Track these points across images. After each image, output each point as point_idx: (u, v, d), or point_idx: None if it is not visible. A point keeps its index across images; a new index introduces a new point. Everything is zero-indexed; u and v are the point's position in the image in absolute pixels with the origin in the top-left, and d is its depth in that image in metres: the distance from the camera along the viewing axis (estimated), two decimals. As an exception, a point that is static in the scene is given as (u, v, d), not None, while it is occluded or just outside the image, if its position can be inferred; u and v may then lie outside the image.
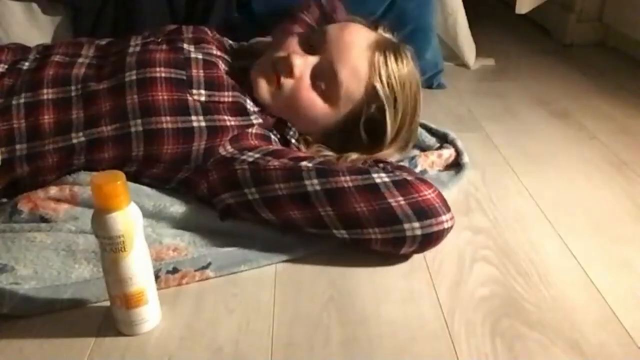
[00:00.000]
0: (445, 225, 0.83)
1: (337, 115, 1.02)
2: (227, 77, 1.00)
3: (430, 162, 1.12)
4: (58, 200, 0.90)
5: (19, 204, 0.89)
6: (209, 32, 1.13)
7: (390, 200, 0.82)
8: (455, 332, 0.74)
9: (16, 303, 0.76)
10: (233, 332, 0.74)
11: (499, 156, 1.20)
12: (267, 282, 0.84)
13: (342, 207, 0.83)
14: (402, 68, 1.02)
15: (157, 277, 0.82)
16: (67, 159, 0.92)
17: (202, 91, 0.96)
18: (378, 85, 0.99)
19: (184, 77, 0.96)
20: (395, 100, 1.01)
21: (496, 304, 0.79)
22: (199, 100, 0.95)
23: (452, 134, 1.19)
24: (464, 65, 1.73)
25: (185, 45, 1.04)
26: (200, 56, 1.01)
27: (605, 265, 0.87)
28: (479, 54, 1.75)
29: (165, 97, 0.93)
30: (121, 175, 0.67)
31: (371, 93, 1.00)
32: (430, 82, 1.58)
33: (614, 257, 0.89)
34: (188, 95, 0.94)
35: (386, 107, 1.01)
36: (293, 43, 1.02)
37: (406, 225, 0.82)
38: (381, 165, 0.92)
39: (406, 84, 1.02)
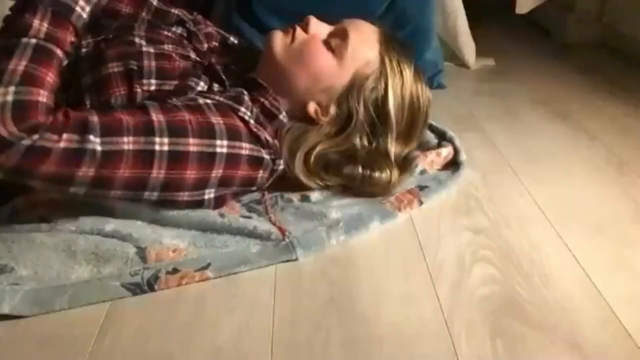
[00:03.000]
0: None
1: (340, 75, 1.02)
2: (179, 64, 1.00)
3: (430, 162, 1.12)
4: (57, 200, 0.90)
5: (19, 204, 0.89)
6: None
7: (214, 172, 0.89)
8: (455, 332, 0.74)
9: (16, 303, 0.76)
10: (233, 332, 0.74)
11: (499, 156, 1.20)
12: (267, 282, 0.83)
13: (176, 171, 0.86)
14: (406, 62, 1.05)
15: (157, 277, 0.82)
16: None
17: (153, 81, 0.96)
18: (386, 60, 1.03)
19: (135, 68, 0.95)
20: (401, 80, 1.03)
21: (496, 304, 0.79)
22: (148, 91, 0.94)
23: (451, 132, 1.19)
24: (464, 65, 1.73)
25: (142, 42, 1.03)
26: (152, 50, 1.00)
27: (605, 265, 0.87)
28: (479, 54, 1.75)
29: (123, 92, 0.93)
30: None
31: (378, 66, 1.02)
32: (430, 82, 1.58)
33: (614, 257, 0.89)
34: (138, 86, 0.94)
35: (390, 83, 1.02)
36: (312, 18, 1.06)
37: (206, 192, 0.91)
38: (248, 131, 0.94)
39: (409, 75, 1.05)
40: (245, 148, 0.93)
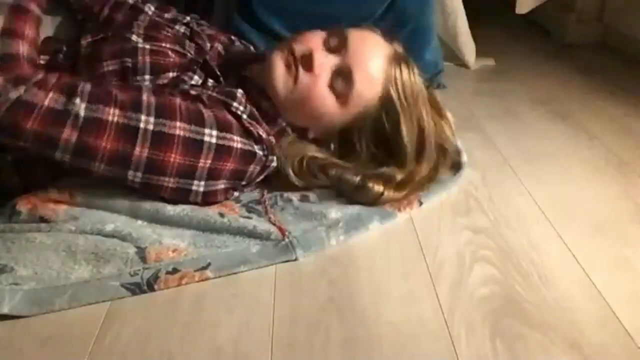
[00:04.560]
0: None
1: (343, 116, 1.01)
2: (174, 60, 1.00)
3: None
4: (57, 200, 0.90)
5: (18, 204, 0.89)
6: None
7: (201, 161, 0.88)
8: (455, 332, 0.74)
9: (16, 303, 0.76)
10: (233, 332, 0.74)
11: (499, 156, 1.20)
12: (267, 282, 0.83)
13: (159, 153, 0.86)
14: (415, 82, 1.03)
15: (156, 277, 0.82)
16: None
17: (147, 76, 0.96)
18: (393, 93, 1.00)
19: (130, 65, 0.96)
20: (409, 109, 1.01)
21: (496, 304, 0.79)
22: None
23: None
24: (464, 65, 1.73)
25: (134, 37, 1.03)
26: (148, 46, 1.00)
27: (605, 265, 0.87)
28: (479, 54, 1.75)
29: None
30: None
31: (385, 100, 1.00)
32: (430, 82, 1.58)
33: (614, 257, 0.89)
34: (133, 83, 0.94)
35: (401, 115, 1.00)
36: (315, 39, 1.01)
37: (194, 183, 0.90)
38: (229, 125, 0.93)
39: (420, 97, 1.03)
40: (237, 141, 0.93)
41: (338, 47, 1.00)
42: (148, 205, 0.91)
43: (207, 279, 0.84)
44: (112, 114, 0.84)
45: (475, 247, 0.91)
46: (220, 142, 0.91)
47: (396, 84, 1.01)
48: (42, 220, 0.88)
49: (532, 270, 0.85)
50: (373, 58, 1.00)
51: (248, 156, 0.94)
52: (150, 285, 0.81)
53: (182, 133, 0.88)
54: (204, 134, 0.90)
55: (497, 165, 1.16)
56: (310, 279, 0.84)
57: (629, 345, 0.72)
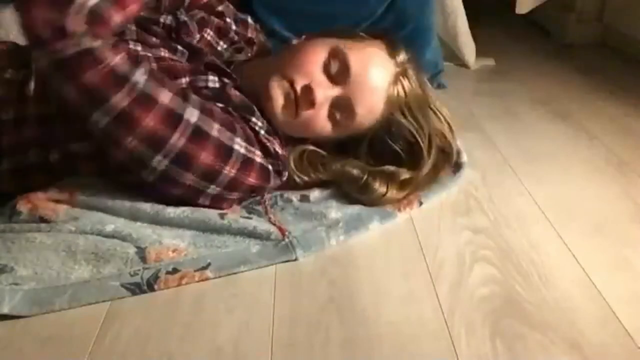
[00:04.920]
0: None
1: (343, 134, 1.02)
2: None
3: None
4: (57, 201, 0.90)
5: (18, 204, 0.89)
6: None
7: (227, 168, 0.88)
8: (455, 332, 0.74)
9: (16, 303, 0.76)
10: (233, 332, 0.74)
11: (499, 156, 1.20)
12: (267, 282, 0.83)
13: (194, 147, 0.86)
14: (417, 91, 1.03)
15: (156, 277, 0.82)
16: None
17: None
18: (397, 114, 1.01)
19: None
20: (414, 120, 1.01)
21: (496, 304, 0.79)
22: None
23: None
24: (464, 65, 1.73)
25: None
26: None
27: (605, 265, 0.87)
28: (479, 54, 1.75)
29: None
30: None
31: (388, 120, 1.01)
32: (430, 82, 1.58)
33: (614, 257, 0.89)
34: None
35: (405, 127, 1.01)
36: (315, 69, 0.97)
37: (211, 187, 0.90)
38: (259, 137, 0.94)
39: (423, 105, 1.03)
40: (258, 156, 0.93)
41: (338, 74, 0.98)
42: (148, 207, 0.91)
43: (207, 279, 0.84)
44: (165, 96, 0.85)
45: (475, 247, 0.91)
46: (247, 153, 0.91)
47: (399, 105, 1.01)
48: (42, 220, 0.88)
49: (532, 270, 0.85)
50: (376, 89, 0.99)
51: (266, 173, 0.94)
52: (150, 285, 0.81)
53: (218, 135, 0.88)
54: (234, 142, 0.90)
55: (497, 165, 1.16)
56: (310, 279, 0.84)
57: (629, 345, 0.72)
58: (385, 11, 1.49)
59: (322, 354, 0.71)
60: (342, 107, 0.98)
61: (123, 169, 0.90)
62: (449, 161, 1.08)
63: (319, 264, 0.87)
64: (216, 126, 0.88)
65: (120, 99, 0.82)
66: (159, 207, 0.91)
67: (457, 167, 1.11)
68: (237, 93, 0.98)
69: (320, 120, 0.99)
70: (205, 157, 0.87)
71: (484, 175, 1.12)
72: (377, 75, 0.99)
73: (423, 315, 0.77)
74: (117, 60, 0.82)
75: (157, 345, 0.72)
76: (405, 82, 1.01)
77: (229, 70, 1.03)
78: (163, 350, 0.71)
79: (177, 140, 0.85)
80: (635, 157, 1.18)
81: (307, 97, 0.96)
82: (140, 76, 0.83)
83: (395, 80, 1.00)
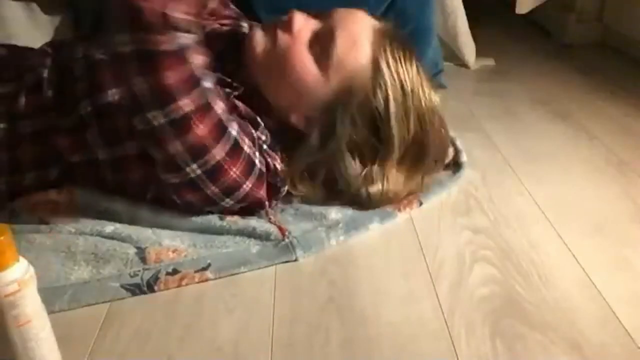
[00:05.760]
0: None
1: (326, 86, 0.93)
2: None
3: (430, 163, 1.12)
4: (57, 202, 0.90)
5: (18, 206, 0.89)
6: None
7: (247, 183, 0.88)
8: (455, 332, 0.74)
9: (16, 304, 0.76)
10: (233, 332, 0.74)
11: (499, 156, 1.20)
12: (267, 282, 0.83)
13: (229, 160, 0.85)
14: (411, 67, 0.95)
15: (156, 278, 0.82)
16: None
17: None
18: (383, 64, 0.92)
19: None
20: (402, 90, 0.93)
21: (496, 304, 0.79)
22: None
23: (451, 133, 1.19)
24: (464, 65, 1.73)
25: None
26: None
27: (605, 265, 0.87)
28: (479, 54, 1.75)
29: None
30: (4, 228, 0.60)
31: (374, 71, 0.93)
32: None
33: (614, 257, 0.88)
34: None
35: (390, 95, 0.92)
36: (297, 12, 0.96)
37: (226, 201, 0.89)
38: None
39: (416, 85, 0.95)
40: (266, 172, 0.92)
41: (320, 15, 0.96)
42: (148, 208, 0.91)
43: (207, 279, 0.84)
44: (219, 106, 0.85)
45: (475, 247, 0.91)
46: (262, 168, 0.91)
47: (386, 54, 0.93)
48: (42, 221, 0.88)
49: (532, 270, 0.85)
50: (359, 22, 0.94)
51: (275, 189, 0.94)
52: (150, 286, 0.81)
53: (248, 151, 0.88)
54: (256, 157, 0.89)
55: (497, 165, 1.16)
56: (310, 279, 0.84)
57: (629, 345, 0.72)
58: (385, 11, 1.49)
59: (322, 354, 0.71)
60: (323, 37, 0.93)
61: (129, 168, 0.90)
62: (423, 157, 0.99)
63: (319, 264, 0.87)
64: (247, 141, 0.88)
65: (186, 104, 0.81)
66: (159, 209, 0.91)
67: (457, 167, 1.11)
68: (241, 104, 0.94)
69: (300, 49, 0.93)
70: (234, 172, 0.87)
71: (484, 175, 1.12)
72: (361, 15, 0.96)
73: (423, 315, 0.77)
74: (197, 62, 0.81)
75: (157, 345, 0.72)
76: (397, 45, 0.95)
77: (229, 80, 0.95)
78: (163, 351, 0.72)
79: (218, 152, 0.84)
80: (635, 157, 1.18)
81: (286, 24, 0.95)
82: (208, 82, 0.83)
83: (382, 33, 0.95)
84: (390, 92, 0.93)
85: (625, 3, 1.82)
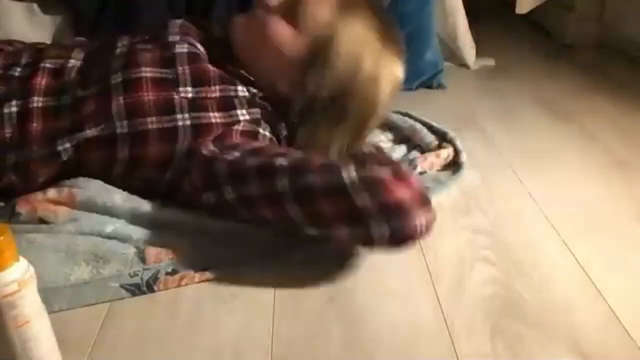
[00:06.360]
0: (417, 230, 0.77)
1: (300, 42, 0.98)
2: (213, 68, 0.99)
3: (430, 163, 1.12)
4: (56, 202, 0.90)
5: (18, 206, 0.89)
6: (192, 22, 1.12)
7: (357, 201, 0.77)
8: (455, 332, 0.74)
9: (16, 304, 0.76)
10: (233, 332, 0.74)
11: (499, 156, 1.20)
12: (267, 282, 0.83)
13: (310, 207, 0.81)
14: (371, 33, 1.00)
15: (156, 278, 0.82)
16: (54, 164, 0.93)
17: (189, 88, 0.95)
18: (342, 24, 0.98)
19: (171, 76, 0.96)
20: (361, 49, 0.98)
21: (496, 304, 0.79)
22: (185, 98, 0.94)
23: (452, 133, 1.19)
24: (464, 65, 1.73)
25: (171, 38, 1.02)
26: (185, 49, 1.00)
27: (605, 265, 0.87)
28: (479, 54, 1.75)
29: (152, 98, 0.92)
30: (4, 228, 0.60)
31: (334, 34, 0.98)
32: (430, 82, 1.58)
33: (614, 257, 0.88)
34: (175, 94, 0.94)
35: (343, 50, 0.98)
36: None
37: (373, 226, 0.77)
38: (360, 158, 0.88)
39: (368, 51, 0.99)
40: None
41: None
42: (148, 208, 0.91)
43: (207, 279, 0.84)
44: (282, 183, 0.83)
45: (475, 247, 0.91)
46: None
47: (350, 14, 0.99)
48: (42, 221, 0.88)
49: (532, 270, 0.85)
50: None
51: None
52: (149, 286, 0.81)
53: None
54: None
55: (497, 165, 1.16)
56: (310, 278, 0.84)
57: (629, 345, 0.72)
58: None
59: (322, 354, 0.71)
60: (293, 2, 0.99)
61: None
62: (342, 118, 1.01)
63: (319, 264, 0.87)
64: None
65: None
66: (159, 209, 0.91)
67: (457, 167, 1.11)
68: (266, 104, 1.00)
69: (273, 17, 0.99)
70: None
71: (484, 175, 1.12)
72: None
73: (423, 315, 0.77)
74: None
75: (157, 345, 0.72)
76: (354, 17, 1.00)
77: (252, 79, 1.02)
78: (163, 350, 0.71)
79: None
80: (635, 157, 1.18)
81: (260, 1, 1.01)
82: (286, 178, 0.83)
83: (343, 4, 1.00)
84: (340, 49, 0.98)
85: (625, 3, 1.82)
